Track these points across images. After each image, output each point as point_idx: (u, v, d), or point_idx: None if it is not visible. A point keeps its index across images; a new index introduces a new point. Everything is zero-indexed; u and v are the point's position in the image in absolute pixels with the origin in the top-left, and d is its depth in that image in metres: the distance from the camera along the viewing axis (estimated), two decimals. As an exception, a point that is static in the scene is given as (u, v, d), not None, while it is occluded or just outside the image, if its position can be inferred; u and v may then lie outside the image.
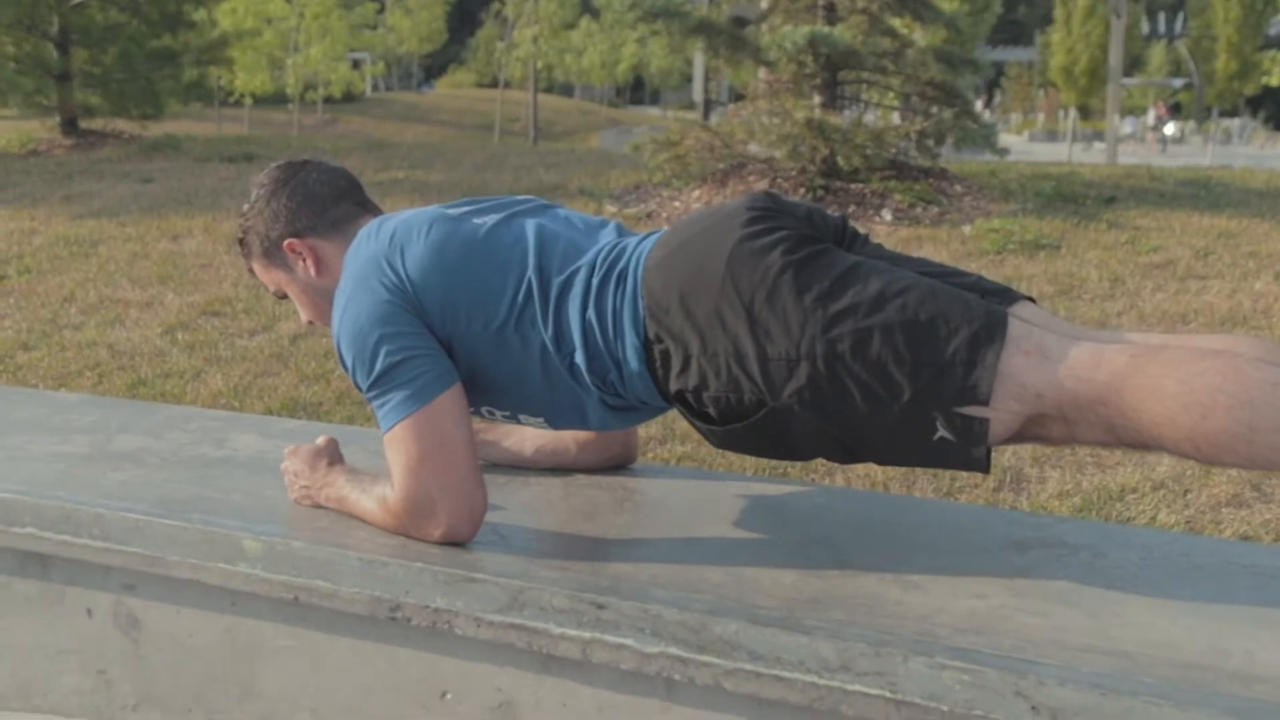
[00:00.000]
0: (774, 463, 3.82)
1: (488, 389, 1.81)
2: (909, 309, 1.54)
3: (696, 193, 7.73)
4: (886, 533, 1.84)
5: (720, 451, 3.78)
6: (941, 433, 1.53)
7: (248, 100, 21.12)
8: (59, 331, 5.60)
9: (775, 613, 1.51)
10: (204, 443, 2.35)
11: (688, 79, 50.16)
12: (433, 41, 35.89)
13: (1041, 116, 46.78)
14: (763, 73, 7.92)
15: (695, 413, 1.70)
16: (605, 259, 1.75)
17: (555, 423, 1.85)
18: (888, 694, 1.41)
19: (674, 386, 1.68)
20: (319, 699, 1.84)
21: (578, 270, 1.75)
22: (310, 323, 2.03)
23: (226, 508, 1.93)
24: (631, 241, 1.79)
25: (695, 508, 1.95)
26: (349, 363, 1.76)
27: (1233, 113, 45.91)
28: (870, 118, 7.82)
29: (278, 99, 21.92)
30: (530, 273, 1.76)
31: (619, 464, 2.15)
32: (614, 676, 1.60)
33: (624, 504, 1.97)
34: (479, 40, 41.37)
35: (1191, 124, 42.66)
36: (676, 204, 7.65)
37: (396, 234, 1.81)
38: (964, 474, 3.20)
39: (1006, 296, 1.66)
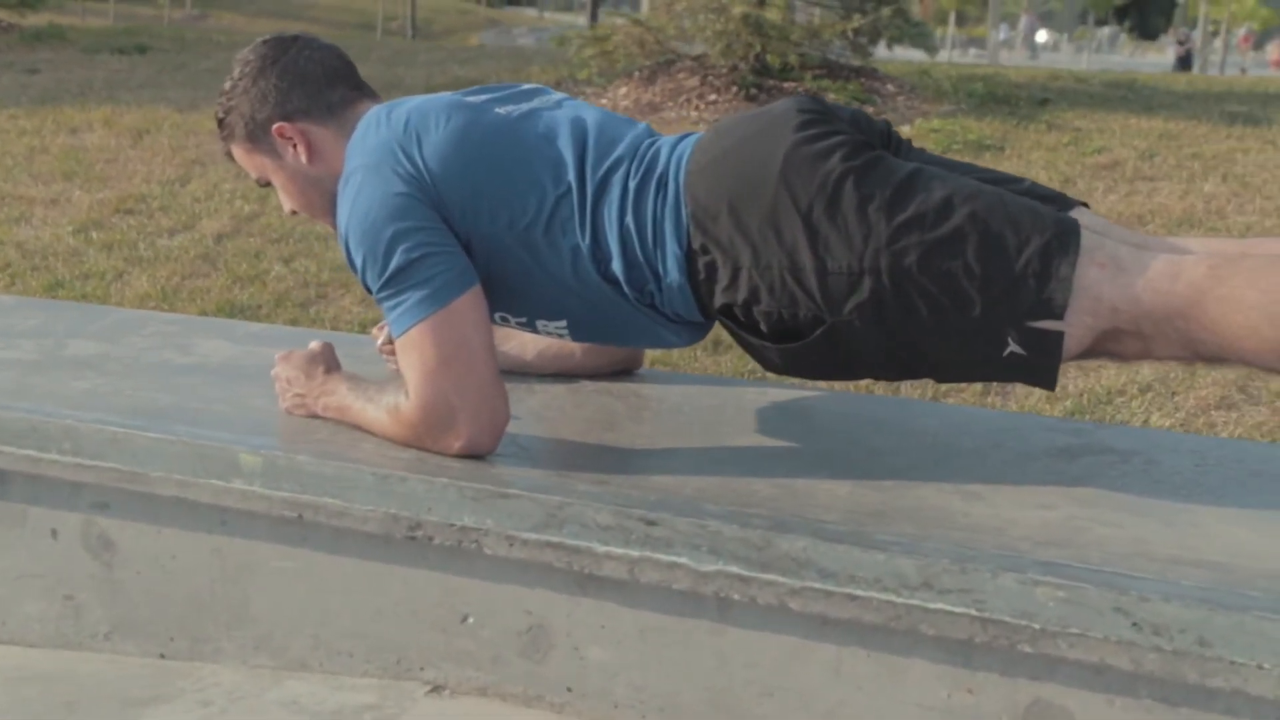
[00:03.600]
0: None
1: (506, 292, 1.67)
2: (977, 218, 1.44)
3: (623, 89, 7.52)
4: (925, 440, 1.75)
5: (707, 352, 3.67)
6: (1012, 348, 1.44)
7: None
8: (-41, 231, 5.26)
9: (842, 527, 1.41)
10: (166, 348, 2.17)
11: (568, -21, 48.86)
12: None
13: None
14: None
15: (744, 327, 1.58)
16: (641, 161, 1.62)
17: (576, 331, 1.72)
18: (973, 612, 1.32)
19: (720, 300, 1.57)
20: (321, 623, 1.71)
21: (613, 171, 1.62)
22: (293, 213, 1.85)
23: (212, 419, 1.77)
24: (665, 143, 1.66)
25: (717, 415, 1.84)
26: (358, 260, 1.60)
27: (1105, 21, 46.12)
28: (798, 15, 7.65)
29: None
30: (567, 172, 1.62)
31: (622, 370, 2.03)
32: (661, 597, 1.49)
33: (641, 412, 1.85)
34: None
35: (1063, 34, 42.89)
36: (604, 100, 7.43)
37: (411, 120, 1.65)
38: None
39: (1063, 203, 1.57)
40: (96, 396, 1.87)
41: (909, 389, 3.01)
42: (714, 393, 1.97)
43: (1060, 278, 1.41)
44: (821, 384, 2.04)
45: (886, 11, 7.11)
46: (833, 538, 1.38)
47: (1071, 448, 1.72)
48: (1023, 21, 38.38)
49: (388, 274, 1.58)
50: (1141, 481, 1.59)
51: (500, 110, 1.69)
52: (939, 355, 1.50)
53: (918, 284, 1.44)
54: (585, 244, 1.60)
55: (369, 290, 1.62)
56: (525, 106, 1.71)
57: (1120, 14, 46.19)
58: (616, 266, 1.60)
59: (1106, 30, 42.88)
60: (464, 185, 1.61)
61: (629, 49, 7.42)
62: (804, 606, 1.40)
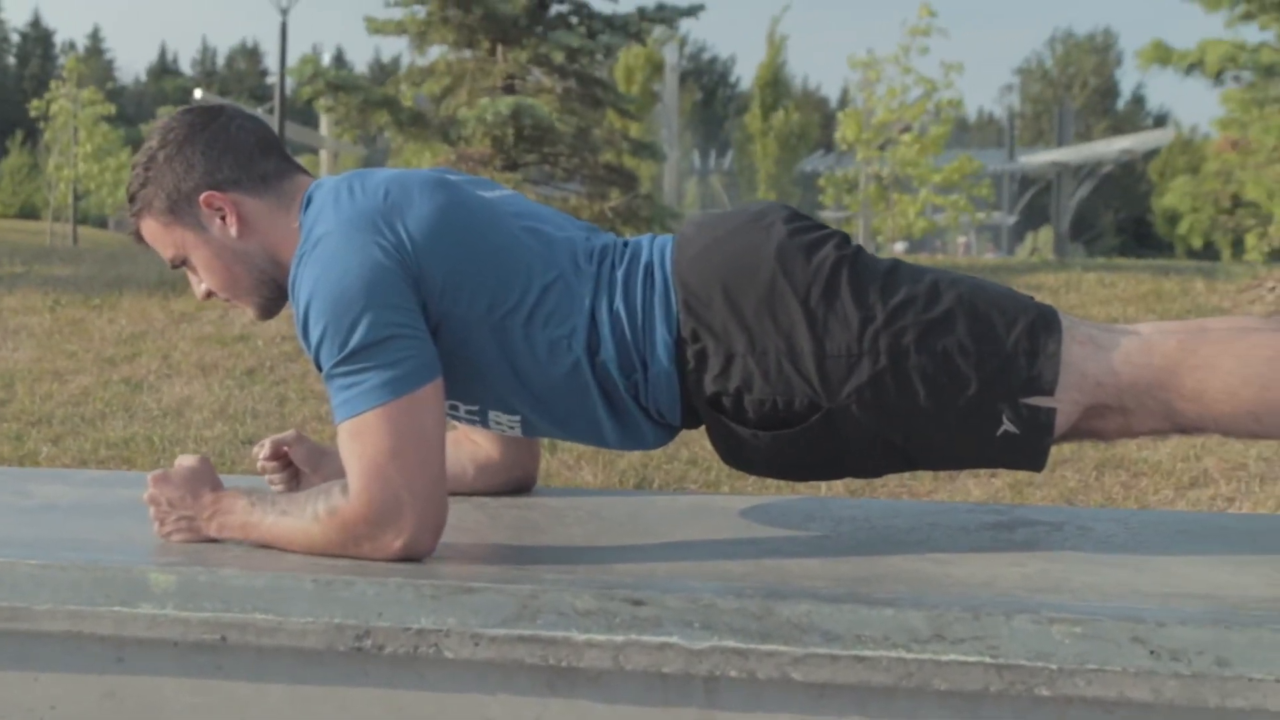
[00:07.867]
0: (684, 475, 3.62)
1: (467, 380, 1.59)
2: (964, 300, 1.51)
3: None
4: (861, 525, 1.73)
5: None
6: (1006, 426, 1.49)
7: None
8: None
9: (838, 590, 1.37)
10: (0, 494, 1.94)
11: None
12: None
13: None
14: (447, 153, 7.73)
15: (733, 417, 1.55)
16: (623, 252, 1.63)
17: (529, 427, 1.65)
18: (988, 659, 1.29)
19: (710, 389, 1.55)
20: (235, 767, 1.51)
21: (603, 261, 1.61)
22: (209, 296, 1.70)
23: (96, 546, 1.58)
24: (644, 238, 1.67)
25: (641, 518, 1.78)
26: (316, 331, 1.49)
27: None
28: (553, 194, 7.85)
29: None
30: (558, 261, 1.59)
31: (515, 490, 1.95)
32: (643, 686, 1.39)
33: (562, 519, 1.77)
34: (2, 170, 38.85)
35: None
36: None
37: (391, 191, 1.57)
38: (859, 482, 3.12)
39: None
40: (-57, 537, 1.64)
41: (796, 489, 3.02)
42: (623, 502, 1.91)
43: (1048, 354, 1.48)
44: (739, 489, 2.00)
45: (645, 189, 7.38)
46: (834, 599, 1.33)
47: (1003, 522, 1.74)
48: None
49: (349, 349, 1.47)
50: (1087, 543, 1.62)
51: (481, 193, 1.65)
52: (934, 437, 1.52)
53: (916, 363, 1.48)
54: (580, 333, 1.56)
55: (319, 366, 1.50)
56: (496, 193, 1.68)
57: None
58: (607, 354, 1.57)
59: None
60: (448, 264, 1.55)
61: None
62: (807, 675, 1.33)
